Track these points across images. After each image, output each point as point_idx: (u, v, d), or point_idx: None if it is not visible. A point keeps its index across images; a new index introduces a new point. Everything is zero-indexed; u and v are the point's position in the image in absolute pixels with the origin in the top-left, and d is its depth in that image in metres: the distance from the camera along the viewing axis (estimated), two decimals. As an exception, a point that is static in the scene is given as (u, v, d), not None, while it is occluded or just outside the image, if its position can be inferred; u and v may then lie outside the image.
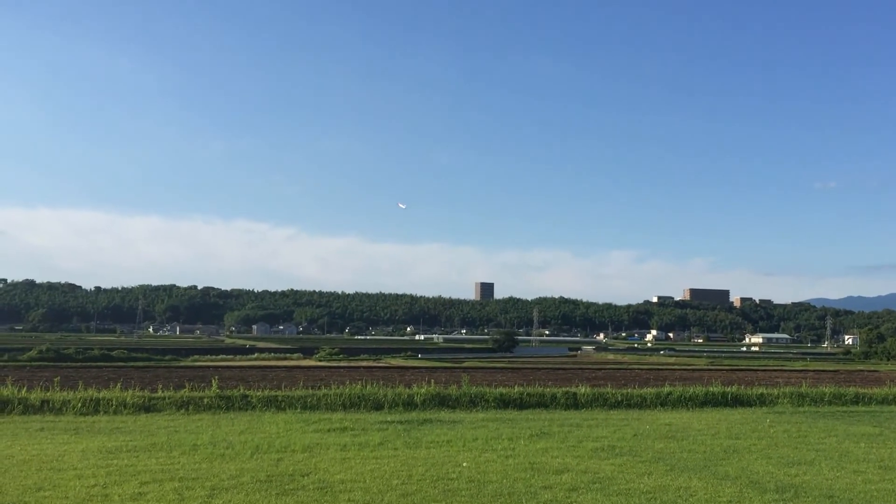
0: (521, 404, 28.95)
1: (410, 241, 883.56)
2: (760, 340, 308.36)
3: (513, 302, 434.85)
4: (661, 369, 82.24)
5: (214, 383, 29.62)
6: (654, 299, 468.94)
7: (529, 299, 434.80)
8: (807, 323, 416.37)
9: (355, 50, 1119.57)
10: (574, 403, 29.67)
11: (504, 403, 28.83)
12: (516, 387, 31.81)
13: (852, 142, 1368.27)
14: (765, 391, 33.35)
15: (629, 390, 32.20)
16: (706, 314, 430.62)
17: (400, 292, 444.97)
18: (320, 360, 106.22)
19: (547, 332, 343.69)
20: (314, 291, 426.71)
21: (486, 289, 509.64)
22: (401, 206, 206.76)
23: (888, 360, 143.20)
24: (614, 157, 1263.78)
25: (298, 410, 26.61)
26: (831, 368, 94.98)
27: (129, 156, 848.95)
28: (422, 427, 22.39)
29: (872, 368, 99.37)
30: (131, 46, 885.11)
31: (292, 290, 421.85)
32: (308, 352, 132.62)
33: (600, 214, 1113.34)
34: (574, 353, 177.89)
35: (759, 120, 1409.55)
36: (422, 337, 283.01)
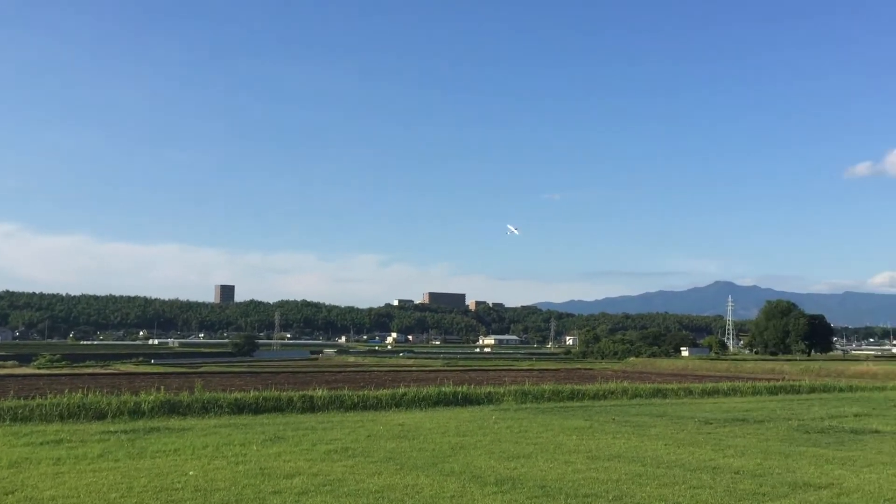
0: (256, 409, 28.42)
1: (146, 241, 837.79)
2: (493, 342, 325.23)
3: (254, 305, 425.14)
4: (400, 371, 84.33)
5: None
6: (396, 302, 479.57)
7: (272, 302, 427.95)
8: (534, 325, 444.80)
9: (82, 40, 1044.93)
10: (311, 406, 29.62)
11: (239, 409, 28.15)
12: (252, 391, 31.16)
13: (573, 162, 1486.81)
14: (492, 390, 35.23)
15: (366, 392, 32.65)
16: (444, 317, 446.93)
17: (133, 294, 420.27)
18: (39, 368, 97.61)
19: (289, 336, 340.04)
20: (33, 293, 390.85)
21: (227, 291, 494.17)
22: (514, 230, 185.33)
23: (602, 358, 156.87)
24: (361, 163, 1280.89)
25: (7, 423, 24.33)
26: (553, 367, 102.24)
27: None
28: (148, 436, 21.28)
29: (588, 367, 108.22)
30: None
31: (7, 291, 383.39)
32: (24, 359, 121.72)
33: (347, 219, 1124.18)
34: (316, 356, 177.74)
35: (493, 130, 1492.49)
36: (156, 341, 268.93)
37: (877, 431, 24.58)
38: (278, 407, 28.97)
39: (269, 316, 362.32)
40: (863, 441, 22.11)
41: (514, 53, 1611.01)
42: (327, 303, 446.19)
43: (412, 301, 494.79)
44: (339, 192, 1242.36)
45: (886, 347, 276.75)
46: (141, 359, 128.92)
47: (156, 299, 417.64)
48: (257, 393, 30.45)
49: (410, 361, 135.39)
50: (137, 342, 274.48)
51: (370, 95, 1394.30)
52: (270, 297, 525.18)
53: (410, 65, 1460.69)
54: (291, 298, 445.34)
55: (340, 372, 79.10)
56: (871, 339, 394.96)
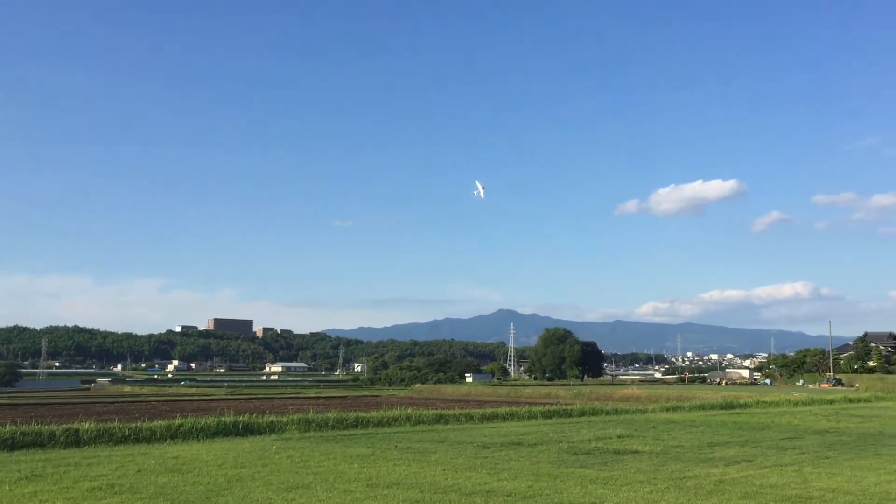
0: (12, 445, 26.06)
1: None
2: (280, 369, 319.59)
3: (17, 331, 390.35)
4: (179, 400, 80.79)
5: None
6: (178, 329, 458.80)
7: (38, 328, 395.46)
8: (323, 352, 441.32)
9: None
10: (76, 441, 27.57)
11: (-10, 445, 25.71)
12: (9, 425, 28.55)
13: (365, 189, 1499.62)
14: (275, 419, 34.46)
15: (139, 424, 30.87)
16: (230, 344, 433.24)
17: None
18: None
19: (58, 365, 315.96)
20: None
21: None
22: (480, 190, 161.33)
23: (390, 385, 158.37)
24: (143, 180, 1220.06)
25: None
26: (340, 395, 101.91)
27: None
28: None
29: (375, 394, 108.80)
30: None
31: None
32: None
33: (126, 241, 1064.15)
34: (88, 386, 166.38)
35: (284, 154, 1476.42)
36: None
37: (636, 451, 26.41)
38: (38, 442, 26.74)
39: (36, 343, 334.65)
40: (624, 461, 23.67)
41: (302, 75, 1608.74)
42: (102, 329, 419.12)
43: (196, 327, 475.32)
44: (117, 211, 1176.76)
45: (649, 372, 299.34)
46: None
47: None
48: (14, 427, 27.94)
49: (192, 390, 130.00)
50: None
51: (148, 100, 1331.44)
52: (37, 323, 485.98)
53: (176, 79, 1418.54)
54: (62, 324, 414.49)
55: (114, 402, 74.55)
56: (637, 365, 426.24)
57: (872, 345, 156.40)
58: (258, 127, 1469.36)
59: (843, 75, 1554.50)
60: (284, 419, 34.73)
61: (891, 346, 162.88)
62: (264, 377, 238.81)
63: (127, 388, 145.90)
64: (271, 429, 32.78)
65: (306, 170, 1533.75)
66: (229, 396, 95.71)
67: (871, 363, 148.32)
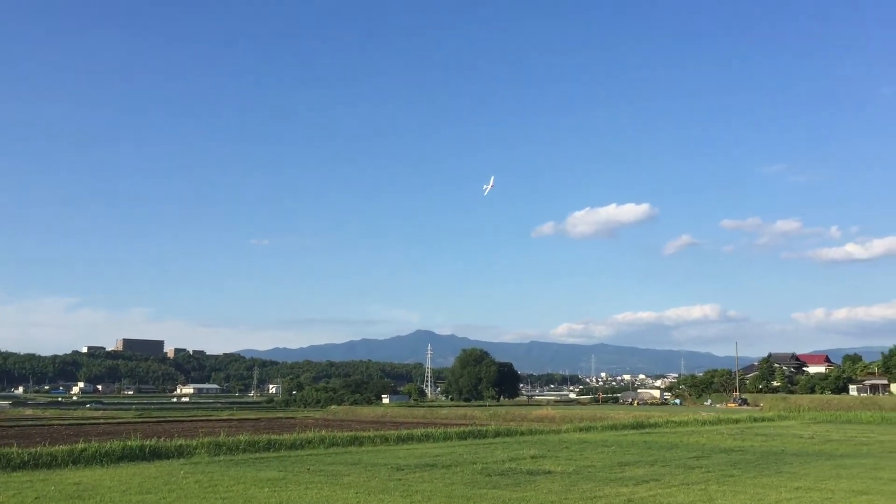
0: None
1: None
2: (191, 391, 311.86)
3: None
4: (84, 424, 77.86)
5: None
6: (85, 350, 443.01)
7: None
8: (236, 373, 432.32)
9: None
10: (-32, 468, 26.33)
11: None
12: None
13: (282, 207, 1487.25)
14: (184, 442, 33.60)
15: (39, 449, 29.65)
16: (139, 365, 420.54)
17: None
18: None
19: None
20: None
21: None
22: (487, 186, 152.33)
23: (305, 406, 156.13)
24: (47, 192, 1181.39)
25: None
26: (254, 417, 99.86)
27: None
28: None
29: (290, 415, 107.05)
30: None
31: None
32: None
33: (29, 258, 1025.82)
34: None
35: (200, 171, 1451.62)
36: None
37: (549, 472, 26.68)
38: (-75, 471, 25.44)
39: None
40: (536, 482, 23.88)
41: (214, 89, 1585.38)
42: (3, 349, 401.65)
43: (104, 348, 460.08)
44: (23, 226, 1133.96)
45: (564, 393, 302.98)
46: None
47: None
48: None
49: (98, 413, 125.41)
50: None
51: (56, 115, 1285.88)
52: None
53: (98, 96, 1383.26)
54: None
55: (13, 426, 71.31)
56: (552, 385, 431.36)
57: (776, 365, 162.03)
58: (174, 144, 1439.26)
59: (751, 103, 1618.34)
60: (194, 443, 33.88)
61: (793, 367, 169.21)
62: (175, 399, 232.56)
63: (28, 412, 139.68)
64: (180, 453, 31.95)
65: (223, 187, 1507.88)
66: (137, 419, 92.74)
67: (775, 383, 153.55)
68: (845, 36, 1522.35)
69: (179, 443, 33.41)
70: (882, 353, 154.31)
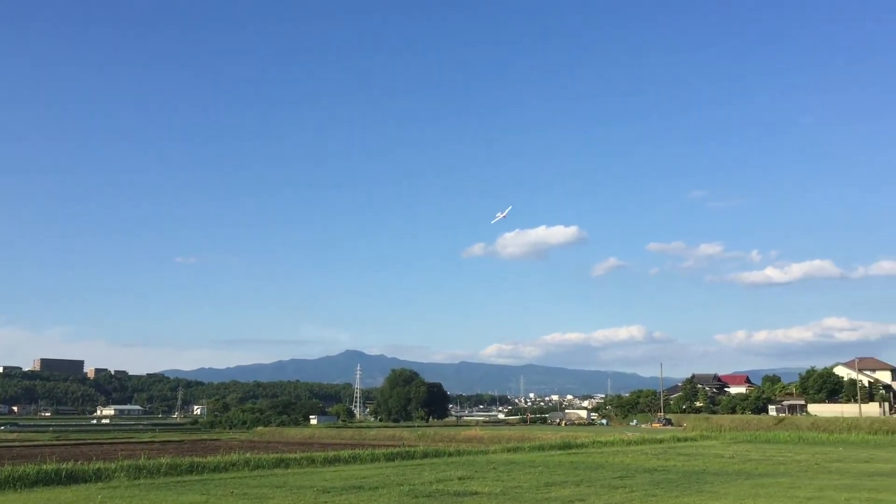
0: None
1: None
2: (112, 412, 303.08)
3: None
4: (-3, 447, 74.93)
5: None
6: (0, 370, 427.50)
7: None
8: (160, 394, 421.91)
9: None
10: None
11: None
12: None
13: (207, 226, 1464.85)
14: (102, 465, 32.68)
15: (-53, 474, 28.48)
16: (57, 385, 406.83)
17: None
18: None
19: None
20: None
21: None
22: (501, 215, 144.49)
23: (231, 428, 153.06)
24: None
25: None
26: (178, 439, 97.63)
27: None
28: None
29: (215, 437, 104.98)
30: None
31: None
32: None
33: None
34: None
35: (122, 185, 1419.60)
36: None
37: (476, 493, 26.74)
38: None
39: None
40: (463, 503, 23.90)
41: (145, 99, 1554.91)
42: None
43: (20, 368, 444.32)
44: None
45: (493, 413, 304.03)
46: None
47: None
48: None
49: (12, 436, 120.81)
50: None
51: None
52: None
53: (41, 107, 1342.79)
54: None
55: (-80, 450, 68.20)
56: (482, 406, 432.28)
57: (699, 386, 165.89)
58: (95, 158, 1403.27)
59: (675, 130, 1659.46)
60: (113, 466, 32.96)
61: (716, 387, 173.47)
62: (95, 421, 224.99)
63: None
64: (98, 476, 31.06)
65: (147, 203, 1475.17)
66: (54, 442, 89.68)
67: (698, 403, 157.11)
68: (765, 65, 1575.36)
69: (98, 466, 32.47)
70: (799, 374, 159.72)
